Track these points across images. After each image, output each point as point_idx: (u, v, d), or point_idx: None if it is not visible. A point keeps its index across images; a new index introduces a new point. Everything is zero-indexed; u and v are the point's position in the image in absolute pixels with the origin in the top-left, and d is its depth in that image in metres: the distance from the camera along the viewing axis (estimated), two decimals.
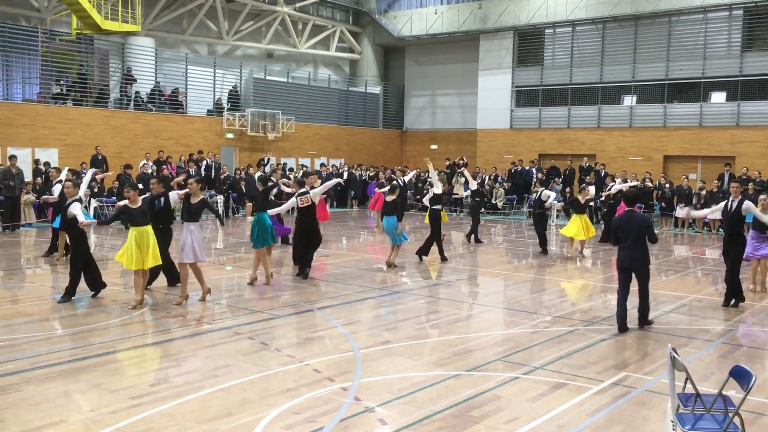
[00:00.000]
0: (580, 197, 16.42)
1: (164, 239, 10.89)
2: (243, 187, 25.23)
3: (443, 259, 15.05)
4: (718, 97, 28.26)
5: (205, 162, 24.75)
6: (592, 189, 17.38)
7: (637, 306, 9.40)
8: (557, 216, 25.10)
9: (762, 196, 12.06)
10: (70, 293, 10.38)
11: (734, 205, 10.78)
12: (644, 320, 9.42)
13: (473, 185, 18.62)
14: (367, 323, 9.68)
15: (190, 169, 22.77)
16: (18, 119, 22.57)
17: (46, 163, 22.32)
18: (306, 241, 12.88)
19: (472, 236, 18.61)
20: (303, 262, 12.86)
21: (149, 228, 9.99)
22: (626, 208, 9.45)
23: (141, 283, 10.05)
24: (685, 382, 5.21)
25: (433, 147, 36.53)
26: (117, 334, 8.62)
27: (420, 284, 12.76)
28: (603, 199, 19.00)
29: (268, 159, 28.62)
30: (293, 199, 12.86)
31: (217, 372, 7.17)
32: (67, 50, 24.75)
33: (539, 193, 17.04)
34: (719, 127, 27.59)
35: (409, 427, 5.83)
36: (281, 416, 5.99)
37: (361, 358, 7.75)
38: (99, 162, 22.83)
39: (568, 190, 25.81)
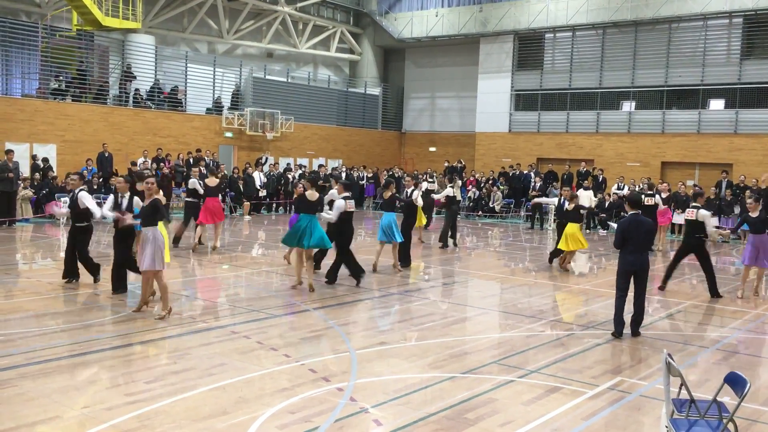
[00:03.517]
0: (567, 206, 14.87)
1: (125, 241, 10.73)
2: (241, 187, 25.23)
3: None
4: (717, 104, 28.34)
5: (203, 160, 24.67)
6: (585, 195, 16.72)
7: (632, 313, 9.27)
8: (554, 221, 25.11)
9: (749, 200, 12.71)
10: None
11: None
12: (638, 328, 9.31)
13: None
14: (363, 324, 9.68)
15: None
16: (17, 114, 22.54)
17: (45, 159, 22.32)
18: (347, 247, 12.26)
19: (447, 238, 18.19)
20: (357, 270, 12.27)
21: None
22: (630, 212, 9.36)
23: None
24: (680, 388, 5.22)
25: (432, 149, 36.57)
26: (113, 331, 8.62)
27: (416, 286, 12.77)
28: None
29: (266, 158, 28.63)
30: (342, 202, 11.92)
31: (213, 370, 7.16)
32: (67, 46, 24.73)
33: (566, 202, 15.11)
34: (717, 134, 27.67)
35: (404, 429, 5.84)
36: (276, 415, 5.99)
37: (356, 359, 7.75)
38: (106, 160, 22.80)
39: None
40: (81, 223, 11.19)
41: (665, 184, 20.52)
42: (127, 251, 10.71)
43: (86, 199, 11.02)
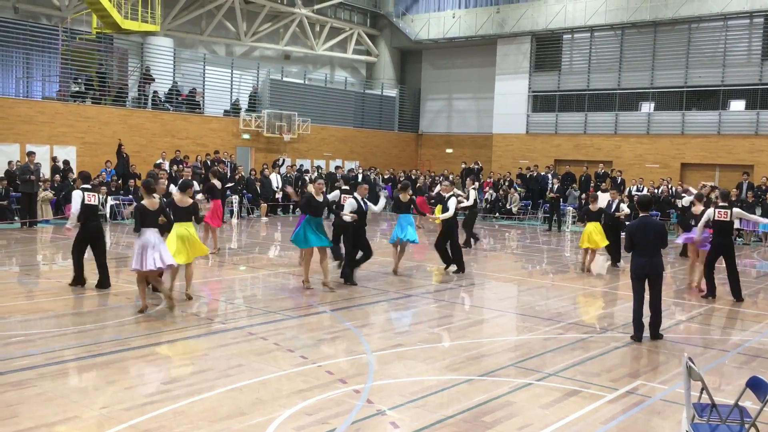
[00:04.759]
0: (591, 207, 15.29)
1: None
2: (258, 188, 25.33)
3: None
4: (737, 105, 28.05)
5: (222, 162, 24.78)
6: (603, 197, 16.86)
7: (650, 317, 9.16)
8: (573, 222, 24.99)
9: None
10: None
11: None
12: (657, 331, 9.21)
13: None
14: (380, 326, 9.66)
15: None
16: (37, 117, 22.79)
17: (65, 161, 22.53)
18: (353, 246, 12.49)
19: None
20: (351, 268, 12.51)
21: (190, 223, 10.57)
22: (641, 214, 9.28)
23: (190, 276, 10.67)
24: (701, 392, 5.16)
25: (449, 151, 36.50)
26: (131, 332, 8.67)
27: (433, 288, 12.73)
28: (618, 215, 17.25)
29: (283, 160, 28.73)
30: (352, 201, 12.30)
31: (230, 371, 7.18)
32: (87, 49, 24.97)
33: (615, 203, 15.60)
34: (738, 135, 27.38)
35: (421, 431, 5.81)
36: (293, 417, 5.99)
37: (373, 361, 7.74)
38: (123, 159, 22.98)
39: (583, 196, 25.68)
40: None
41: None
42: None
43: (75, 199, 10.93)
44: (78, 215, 10.83)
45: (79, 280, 11.16)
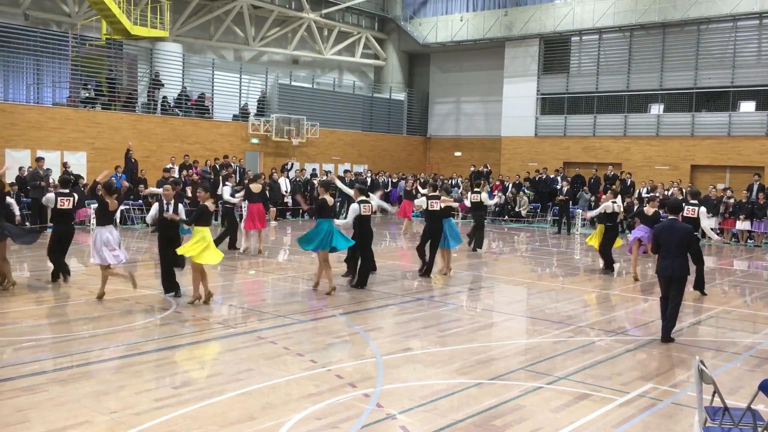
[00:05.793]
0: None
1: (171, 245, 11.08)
2: (267, 192, 25.34)
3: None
4: (748, 106, 27.88)
5: (230, 166, 24.81)
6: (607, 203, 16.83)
7: (665, 318, 9.17)
8: (582, 225, 24.91)
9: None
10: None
11: None
12: (669, 333, 9.19)
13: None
14: (390, 330, 9.65)
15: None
16: (48, 122, 22.92)
17: (78, 175, 22.61)
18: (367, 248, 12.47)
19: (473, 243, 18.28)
20: (366, 271, 12.48)
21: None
22: (670, 217, 9.42)
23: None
24: (713, 396, 5.12)
25: (457, 154, 36.47)
26: (141, 336, 8.69)
27: (442, 292, 12.71)
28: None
29: (292, 164, 28.76)
30: (356, 206, 12.13)
31: (240, 376, 7.19)
32: (97, 55, 25.11)
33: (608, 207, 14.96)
34: (748, 136, 27.22)
35: None
36: (303, 421, 5.99)
37: (383, 365, 7.73)
38: (131, 164, 23.06)
39: (593, 198, 25.59)
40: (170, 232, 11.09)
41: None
42: (174, 255, 11.01)
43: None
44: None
45: (64, 273, 12.05)
